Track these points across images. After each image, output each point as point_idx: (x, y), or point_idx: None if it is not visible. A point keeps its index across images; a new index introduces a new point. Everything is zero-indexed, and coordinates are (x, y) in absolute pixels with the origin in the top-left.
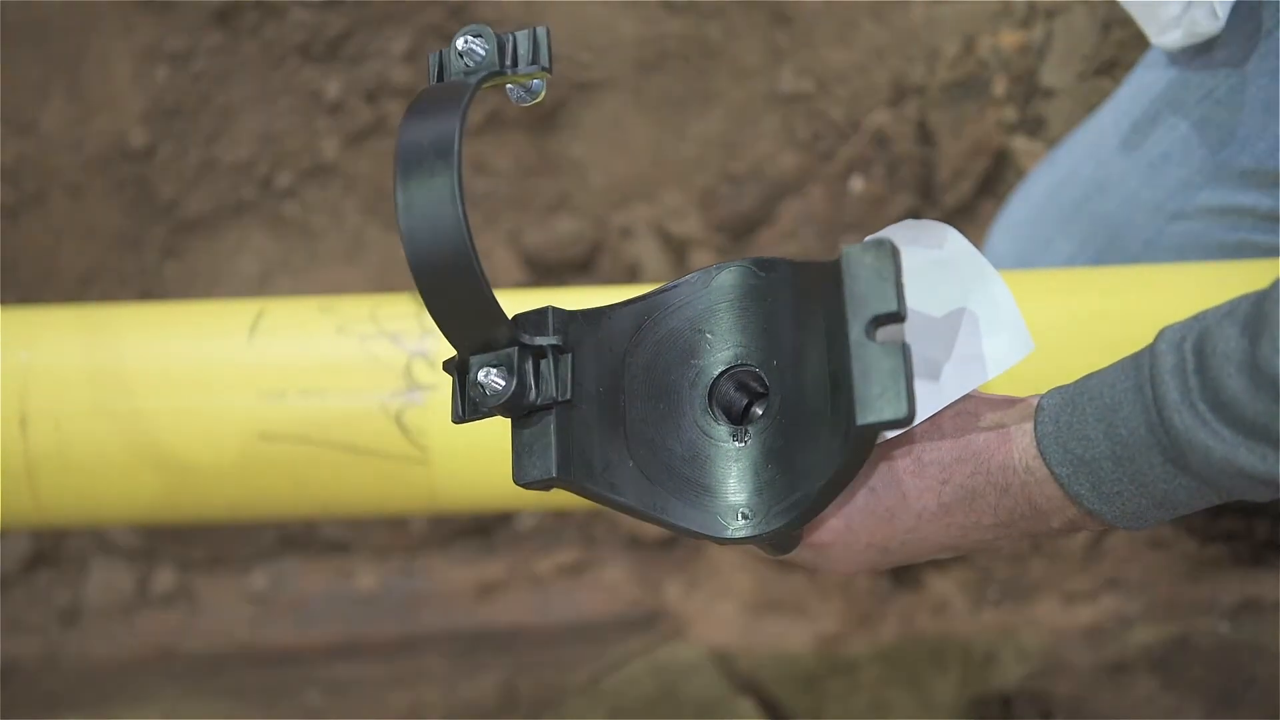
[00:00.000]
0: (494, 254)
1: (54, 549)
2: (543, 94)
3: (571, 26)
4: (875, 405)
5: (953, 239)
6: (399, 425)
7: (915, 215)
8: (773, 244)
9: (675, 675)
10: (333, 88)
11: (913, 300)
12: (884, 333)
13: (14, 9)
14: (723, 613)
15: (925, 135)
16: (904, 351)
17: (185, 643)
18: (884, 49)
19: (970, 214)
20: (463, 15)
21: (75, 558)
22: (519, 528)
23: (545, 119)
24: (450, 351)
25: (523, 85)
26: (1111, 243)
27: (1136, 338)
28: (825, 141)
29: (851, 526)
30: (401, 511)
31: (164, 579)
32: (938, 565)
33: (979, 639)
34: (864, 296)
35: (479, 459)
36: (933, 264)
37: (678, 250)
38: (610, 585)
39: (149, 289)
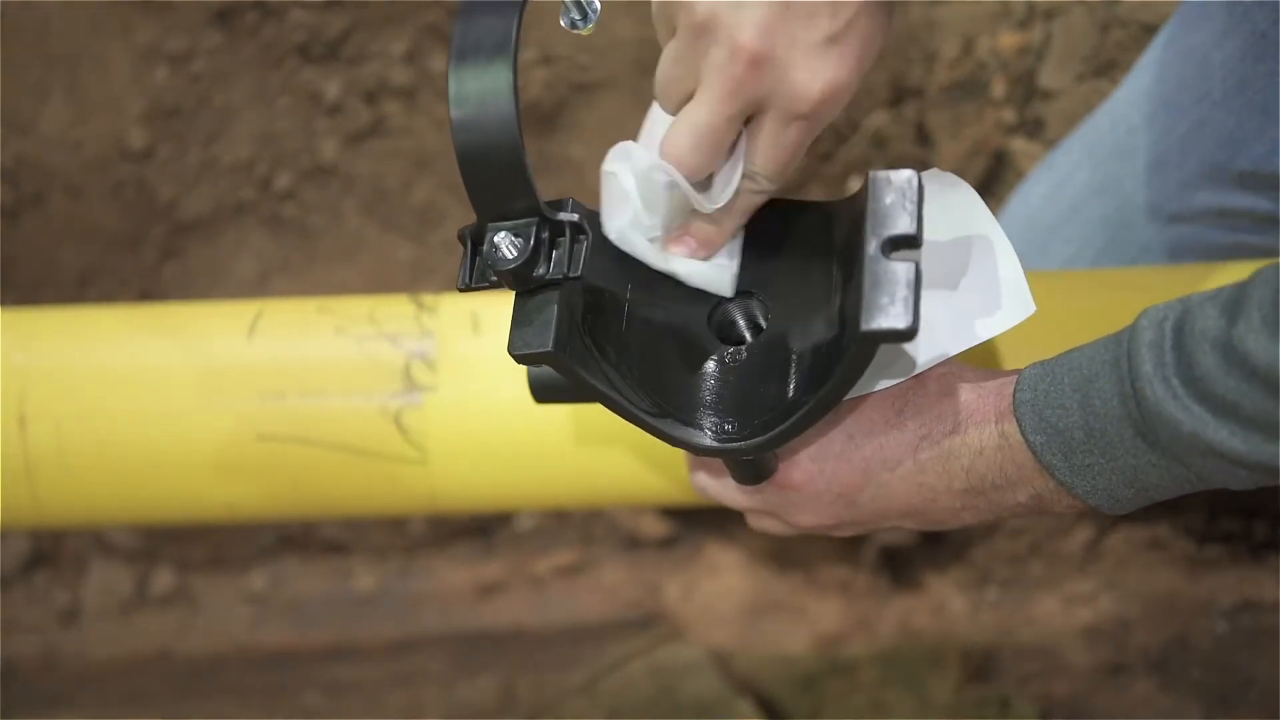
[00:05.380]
0: None
1: (53, 549)
2: (594, 25)
3: None
4: (880, 314)
5: (964, 193)
6: (398, 426)
7: None
8: None
9: (674, 676)
10: (332, 88)
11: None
12: (898, 255)
13: (13, 9)
14: (721, 613)
15: (924, 136)
16: (915, 270)
17: (184, 643)
18: (883, 50)
19: None
20: None
21: (74, 558)
22: (518, 528)
23: (544, 120)
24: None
25: (578, 9)
26: (1109, 245)
27: None
28: (824, 143)
29: (824, 471)
30: (400, 512)
31: (163, 580)
32: (936, 565)
33: (978, 639)
34: (884, 217)
35: (478, 460)
36: (943, 219)
37: None
38: (609, 586)
39: (148, 290)
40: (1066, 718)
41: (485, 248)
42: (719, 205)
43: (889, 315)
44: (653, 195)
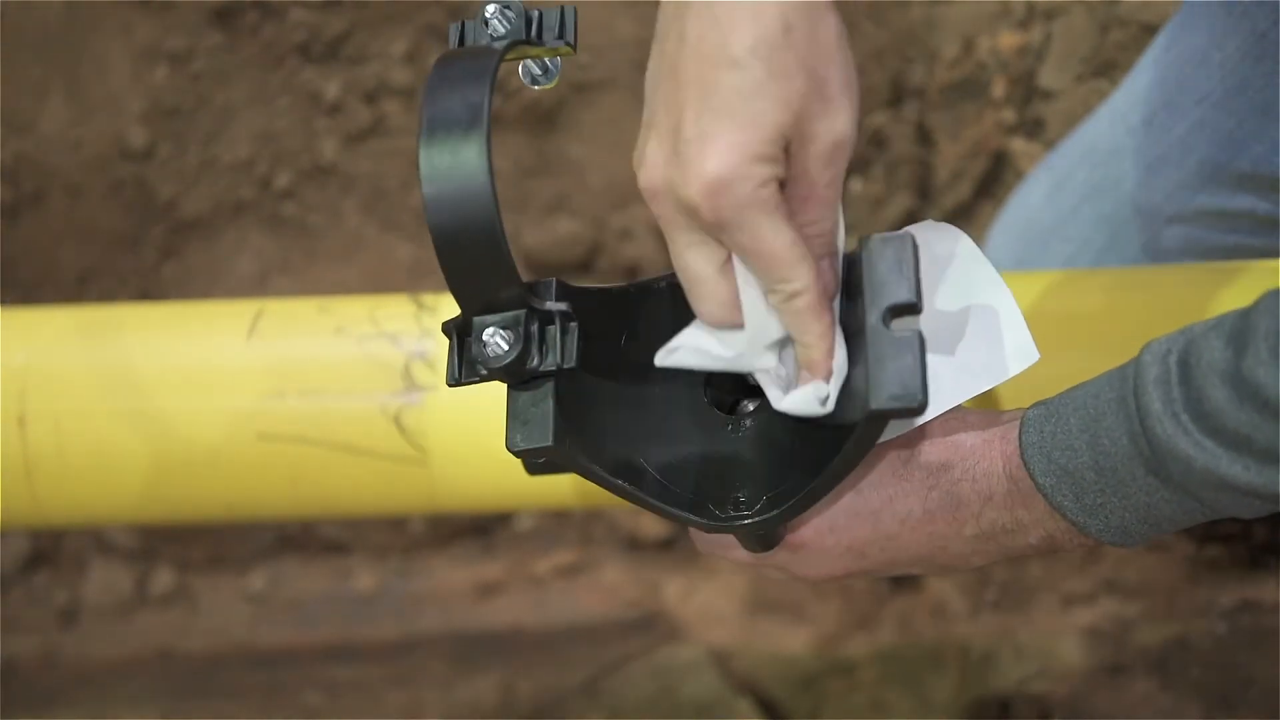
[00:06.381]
0: None
1: (53, 549)
2: (556, 79)
3: None
4: (888, 391)
5: (963, 245)
6: (398, 425)
7: (914, 216)
8: None
9: (674, 676)
10: (332, 88)
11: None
12: (899, 323)
13: (14, 9)
14: (721, 613)
15: (924, 136)
16: (919, 340)
17: (183, 643)
18: (883, 50)
19: (969, 215)
20: (462, 15)
21: (74, 558)
22: (518, 528)
23: (544, 120)
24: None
25: (539, 65)
26: (1108, 246)
27: (1134, 338)
28: None
29: (834, 527)
30: (400, 512)
31: (162, 579)
32: None
33: (977, 640)
34: (882, 286)
35: (478, 460)
36: (941, 269)
37: None
38: (609, 586)
39: (147, 289)
40: (1066, 718)
41: (473, 343)
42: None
43: (898, 393)
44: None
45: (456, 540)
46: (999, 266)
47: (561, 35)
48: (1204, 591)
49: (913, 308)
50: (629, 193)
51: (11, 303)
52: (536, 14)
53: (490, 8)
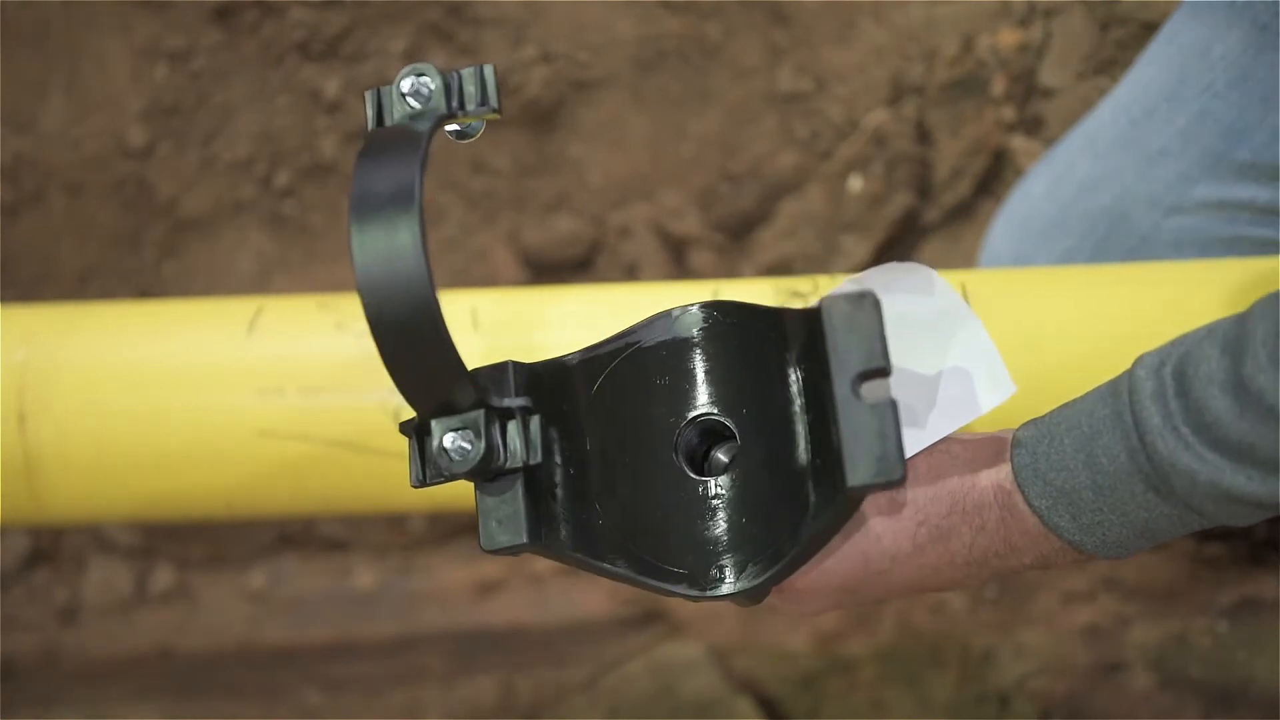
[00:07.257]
0: (493, 253)
1: (52, 547)
2: (481, 131)
3: (570, 26)
4: (865, 466)
5: (932, 281)
6: (398, 422)
7: (913, 214)
8: (771, 243)
9: (673, 674)
10: (332, 86)
11: (891, 345)
12: (869, 388)
13: (13, 8)
14: (720, 611)
15: (924, 134)
16: (892, 409)
17: (183, 641)
18: (883, 48)
19: (968, 213)
20: (461, 14)
21: (74, 556)
22: None
23: (544, 118)
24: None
25: (462, 126)
26: (1108, 237)
27: (1132, 335)
28: (824, 140)
29: (824, 570)
30: (400, 509)
31: (162, 577)
32: None
33: (977, 638)
34: (848, 351)
35: None
36: (911, 308)
37: (676, 249)
38: (608, 584)
39: (147, 287)
40: (1065, 716)
41: (434, 447)
42: None
43: (875, 467)
44: None
45: (456, 538)
46: (999, 262)
47: (485, 102)
48: (1204, 589)
49: (881, 372)
50: (629, 191)
51: (11, 300)
52: (455, 79)
53: (406, 81)
